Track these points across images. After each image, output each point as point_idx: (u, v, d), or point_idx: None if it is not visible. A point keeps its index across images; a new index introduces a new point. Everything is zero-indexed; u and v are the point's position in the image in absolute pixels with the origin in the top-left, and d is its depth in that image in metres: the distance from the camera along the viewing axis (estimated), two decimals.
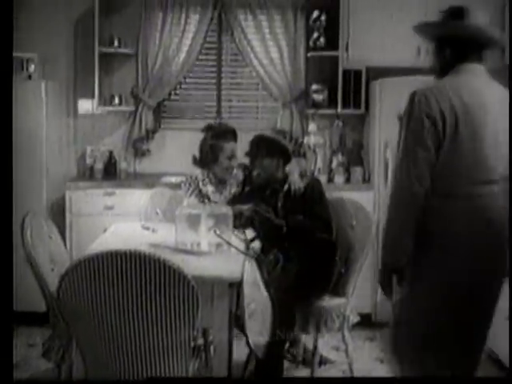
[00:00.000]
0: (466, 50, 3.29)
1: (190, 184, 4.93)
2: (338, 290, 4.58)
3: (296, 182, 4.66)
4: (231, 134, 4.97)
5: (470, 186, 3.18)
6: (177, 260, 3.12)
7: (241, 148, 4.95)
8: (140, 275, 3.03)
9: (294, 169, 4.78)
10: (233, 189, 4.96)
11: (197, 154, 5.05)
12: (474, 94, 3.20)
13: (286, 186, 4.68)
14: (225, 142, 4.91)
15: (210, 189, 4.92)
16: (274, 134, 5.90)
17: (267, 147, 4.75)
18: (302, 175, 4.76)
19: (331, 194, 5.61)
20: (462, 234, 3.18)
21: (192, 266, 3.44)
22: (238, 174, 5.01)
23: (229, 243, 3.96)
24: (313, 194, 4.68)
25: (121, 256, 3.02)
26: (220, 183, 4.97)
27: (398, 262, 3.21)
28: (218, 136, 4.94)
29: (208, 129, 5.04)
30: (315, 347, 4.52)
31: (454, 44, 3.31)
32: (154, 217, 5.03)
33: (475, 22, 3.27)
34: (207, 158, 4.95)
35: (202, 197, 4.88)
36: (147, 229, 4.50)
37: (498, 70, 3.87)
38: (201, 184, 4.93)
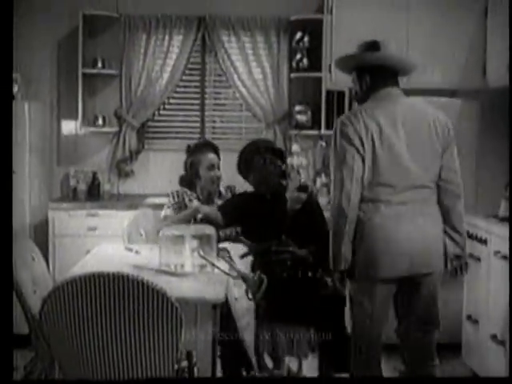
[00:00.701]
0: (382, 76, 3.73)
1: (173, 197, 4.93)
2: None
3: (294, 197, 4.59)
4: (207, 147, 4.98)
5: (392, 194, 3.59)
6: (160, 282, 3.10)
7: (226, 168, 4.95)
8: (123, 297, 3.00)
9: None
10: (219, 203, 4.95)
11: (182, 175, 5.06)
12: (388, 115, 3.61)
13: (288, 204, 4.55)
14: (201, 155, 4.91)
15: (195, 203, 4.91)
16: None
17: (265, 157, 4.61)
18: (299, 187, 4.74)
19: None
20: (389, 237, 3.60)
21: (176, 288, 3.42)
22: (227, 195, 5.00)
23: (213, 264, 3.94)
24: (312, 206, 4.65)
25: (104, 278, 2.99)
26: (209, 197, 4.96)
27: (340, 267, 3.64)
28: (194, 151, 4.96)
29: (187, 148, 5.05)
30: (300, 369, 4.50)
31: (371, 72, 3.75)
32: (137, 238, 5.00)
33: (389, 53, 3.82)
34: (189, 174, 4.96)
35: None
36: (130, 250, 4.47)
37: None
38: (187, 199, 4.92)
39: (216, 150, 4.98)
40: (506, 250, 4.49)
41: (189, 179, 4.99)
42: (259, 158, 4.56)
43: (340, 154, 3.58)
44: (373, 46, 3.83)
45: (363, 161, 3.55)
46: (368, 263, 3.63)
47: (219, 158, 4.96)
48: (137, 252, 4.43)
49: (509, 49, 4.49)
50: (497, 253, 4.60)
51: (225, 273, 3.89)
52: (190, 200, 4.91)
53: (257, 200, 4.61)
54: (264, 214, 4.48)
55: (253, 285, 3.93)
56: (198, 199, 4.93)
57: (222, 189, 5.04)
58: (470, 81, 5.81)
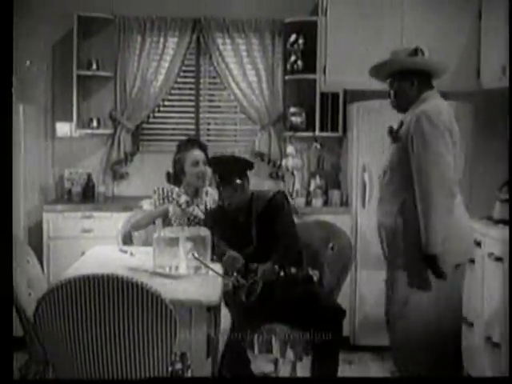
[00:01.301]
0: (427, 79, 4.05)
1: (158, 194, 4.98)
2: None
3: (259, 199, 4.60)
4: (193, 144, 5.02)
5: (456, 185, 3.89)
6: (155, 284, 3.11)
7: None
8: (117, 299, 3.01)
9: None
10: (207, 200, 4.97)
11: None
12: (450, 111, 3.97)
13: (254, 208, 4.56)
14: (186, 151, 4.95)
15: (183, 199, 4.92)
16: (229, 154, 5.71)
17: (234, 169, 4.55)
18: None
19: (309, 216, 5.66)
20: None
21: (170, 290, 3.43)
22: (213, 194, 5.00)
23: (207, 266, 3.95)
24: (276, 208, 4.55)
25: (98, 280, 3.00)
26: (196, 193, 4.98)
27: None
28: (179, 149, 5.01)
29: (176, 147, 5.09)
30: (293, 371, 4.51)
31: (419, 76, 4.02)
32: (132, 240, 5.01)
33: (433, 58, 4.11)
34: (175, 171, 5.01)
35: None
36: (125, 252, 4.48)
37: None
38: (175, 195, 4.95)
39: (202, 147, 5.01)
40: (500, 252, 4.51)
41: (175, 176, 5.04)
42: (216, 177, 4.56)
43: (439, 146, 3.79)
44: (419, 51, 4.04)
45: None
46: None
47: (206, 155, 4.97)
48: (131, 254, 4.44)
49: (509, 50, 4.48)
50: (491, 255, 4.62)
51: (219, 274, 3.90)
52: (179, 195, 4.92)
53: (226, 212, 4.61)
54: (232, 226, 4.51)
55: (246, 290, 3.95)
56: (186, 193, 4.94)
57: (209, 188, 5.03)
58: (464, 82, 5.83)
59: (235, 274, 4.12)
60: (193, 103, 6.58)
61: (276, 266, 4.23)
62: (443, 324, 3.95)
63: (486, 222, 5.00)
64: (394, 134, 4.00)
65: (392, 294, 4.10)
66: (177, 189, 4.99)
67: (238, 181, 4.44)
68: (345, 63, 5.97)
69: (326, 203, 6.17)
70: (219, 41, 6.38)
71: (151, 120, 6.56)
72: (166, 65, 6.37)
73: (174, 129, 6.59)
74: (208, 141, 6.47)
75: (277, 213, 4.49)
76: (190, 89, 6.56)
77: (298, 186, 6.28)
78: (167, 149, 6.40)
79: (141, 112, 6.40)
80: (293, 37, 6.29)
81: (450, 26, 5.91)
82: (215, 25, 6.35)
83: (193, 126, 6.59)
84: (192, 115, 6.59)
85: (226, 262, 4.26)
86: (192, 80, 6.55)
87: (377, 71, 4.17)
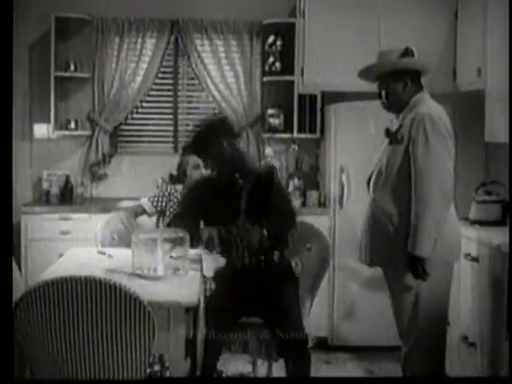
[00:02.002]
0: (418, 79, 4.09)
1: (162, 189, 5.09)
2: None
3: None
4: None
5: None
6: (133, 285, 3.11)
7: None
8: (96, 301, 3.01)
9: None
10: None
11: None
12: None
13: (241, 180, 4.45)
14: (188, 156, 5.04)
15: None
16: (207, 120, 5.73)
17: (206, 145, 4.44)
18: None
19: None
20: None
21: (149, 291, 3.42)
22: None
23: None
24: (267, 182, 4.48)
25: (76, 282, 3.00)
26: None
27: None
28: (183, 151, 5.14)
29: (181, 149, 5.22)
30: (269, 371, 4.52)
31: (411, 76, 4.04)
32: (110, 242, 5.00)
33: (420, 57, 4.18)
34: (179, 174, 5.14)
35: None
36: (103, 254, 4.45)
37: None
38: (178, 194, 4.99)
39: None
40: (475, 253, 4.55)
41: (177, 178, 5.15)
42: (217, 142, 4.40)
43: (443, 150, 3.86)
44: (409, 52, 4.10)
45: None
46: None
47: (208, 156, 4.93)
48: (110, 256, 4.42)
49: (509, 51, 4.53)
50: (467, 255, 4.64)
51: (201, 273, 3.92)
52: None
53: (212, 184, 4.54)
54: (219, 197, 4.43)
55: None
56: None
57: None
58: (441, 84, 5.85)
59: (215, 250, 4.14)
60: (171, 105, 6.58)
61: (263, 230, 4.23)
62: (431, 324, 3.99)
63: (462, 222, 5.02)
64: (392, 135, 3.98)
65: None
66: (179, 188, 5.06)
67: (214, 150, 4.37)
68: (322, 65, 5.96)
69: (304, 204, 6.20)
70: (197, 42, 6.39)
71: (129, 121, 6.55)
72: (144, 66, 6.36)
73: (152, 130, 6.60)
74: (184, 141, 6.50)
75: (268, 183, 4.45)
76: (168, 90, 6.57)
77: None
78: (145, 150, 6.54)
79: (119, 113, 6.39)
80: (271, 38, 6.31)
81: (427, 27, 5.93)
82: (193, 26, 6.36)
83: (171, 128, 6.60)
84: (170, 116, 6.59)
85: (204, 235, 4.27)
86: (170, 81, 6.55)
87: (367, 73, 4.19)
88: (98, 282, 3.00)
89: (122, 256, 4.35)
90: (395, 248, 3.92)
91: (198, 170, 5.01)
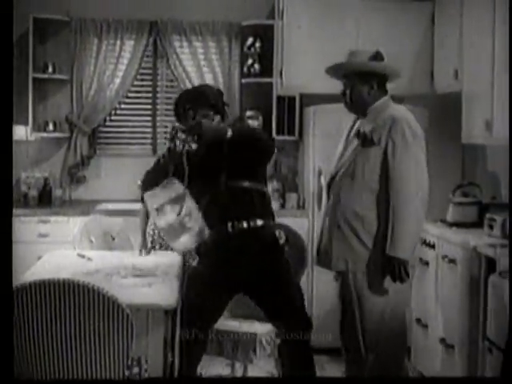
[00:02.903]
0: (384, 84, 4.09)
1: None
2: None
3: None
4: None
5: None
6: (112, 288, 3.12)
7: None
8: (74, 304, 3.02)
9: None
10: None
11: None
12: None
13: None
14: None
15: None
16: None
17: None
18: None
19: None
20: None
21: (127, 294, 3.42)
22: None
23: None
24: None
25: (55, 285, 3.00)
26: None
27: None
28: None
29: None
30: (245, 372, 4.53)
31: (378, 80, 4.04)
32: (89, 245, 4.99)
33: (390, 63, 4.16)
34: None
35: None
36: (82, 257, 4.45)
37: None
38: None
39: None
40: (453, 255, 4.59)
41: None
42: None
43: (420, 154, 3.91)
44: (379, 56, 4.08)
45: None
46: None
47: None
48: (89, 259, 4.42)
49: (509, 54, 4.53)
50: (444, 257, 4.68)
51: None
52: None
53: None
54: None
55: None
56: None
57: None
58: (418, 87, 5.91)
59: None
60: (150, 106, 6.58)
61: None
62: (393, 325, 3.97)
63: (439, 224, 5.06)
64: (365, 138, 3.94)
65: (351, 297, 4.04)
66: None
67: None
68: (301, 67, 5.99)
69: (283, 206, 6.21)
70: (176, 44, 6.38)
71: (108, 123, 6.53)
72: (123, 67, 6.35)
73: (130, 132, 6.59)
74: (164, 144, 6.45)
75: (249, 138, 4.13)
76: (147, 92, 6.56)
77: None
78: (124, 152, 6.53)
79: (97, 115, 6.37)
80: (250, 40, 6.32)
81: (404, 30, 5.98)
82: (172, 27, 6.35)
83: (150, 130, 6.59)
84: (149, 118, 6.59)
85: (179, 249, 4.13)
86: (149, 83, 6.55)
87: (335, 70, 4.18)
88: (76, 285, 3.01)
89: (100, 259, 4.39)
90: (369, 251, 3.91)
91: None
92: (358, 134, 3.99)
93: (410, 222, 3.81)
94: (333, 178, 4.08)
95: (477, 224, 4.92)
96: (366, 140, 3.95)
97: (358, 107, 4.08)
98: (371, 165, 3.91)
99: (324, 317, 5.83)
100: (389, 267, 3.85)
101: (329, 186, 4.12)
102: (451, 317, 4.63)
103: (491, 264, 4.15)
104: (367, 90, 4.03)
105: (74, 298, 3.02)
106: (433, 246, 4.88)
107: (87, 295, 3.02)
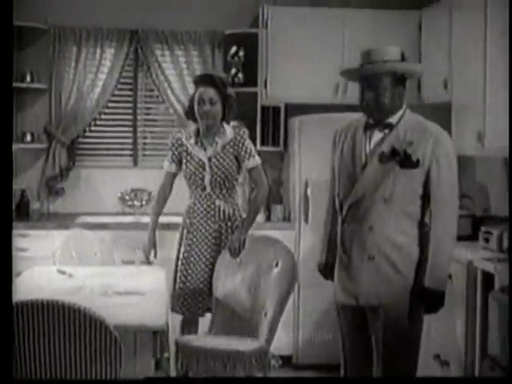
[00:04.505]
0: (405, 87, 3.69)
1: (172, 145, 4.75)
2: (258, 332, 4.32)
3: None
4: (202, 79, 4.73)
5: None
6: (98, 307, 3.00)
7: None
8: (59, 326, 2.90)
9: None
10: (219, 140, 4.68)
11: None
12: None
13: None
14: (196, 89, 4.68)
15: (191, 142, 4.69)
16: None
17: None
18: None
19: (252, 232, 5.53)
20: None
21: (114, 314, 3.29)
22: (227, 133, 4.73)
23: None
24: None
25: (38, 306, 2.87)
26: (209, 133, 4.68)
27: None
28: (195, 84, 4.75)
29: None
30: None
31: (404, 81, 3.66)
32: (69, 260, 4.84)
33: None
34: (189, 108, 4.75)
35: (186, 155, 4.69)
36: (63, 273, 4.31)
37: None
38: (184, 139, 4.72)
39: (216, 84, 4.65)
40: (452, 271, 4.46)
41: (188, 113, 4.78)
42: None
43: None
44: (404, 56, 3.71)
45: None
46: None
47: (221, 93, 4.64)
48: (70, 275, 4.28)
49: (509, 57, 4.42)
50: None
51: None
52: (187, 139, 4.72)
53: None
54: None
55: None
56: (198, 136, 4.69)
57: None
58: (406, 97, 5.81)
59: None
60: (130, 117, 6.43)
61: None
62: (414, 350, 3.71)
63: None
64: (403, 158, 3.53)
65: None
66: (184, 132, 4.79)
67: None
68: (286, 77, 5.94)
69: (268, 218, 6.08)
70: (158, 52, 6.25)
71: (87, 134, 6.37)
72: (103, 77, 6.20)
73: (110, 143, 6.44)
74: (144, 155, 6.41)
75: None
76: (128, 102, 6.42)
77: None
78: (104, 164, 6.38)
79: (76, 126, 6.21)
80: (233, 49, 6.20)
81: (390, 39, 5.78)
82: (153, 36, 6.22)
83: (130, 140, 6.45)
84: (129, 129, 6.44)
85: None
86: (130, 93, 6.41)
87: (356, 73, 3.73)
88: (61, 307, 2.88)
89: (82, 275, 4.27)
90: (409, 283, 3.59)
91: (203, 105, 4.59)
92: (394, 153, 3.56)
93: (448, 252, 3.56)
94: (357, 202, 3.63)
95: (470, 237, 4.82)
96: (406, 160, 3.53)
97: (386, 111, 3.59)
98: (413, 188, 3.55)
99: (310, 333, 5.75)
100: (426, 299, 3.56)
101: (349, 208, 3.67)
102: (446, 333, 4.52)
103: (488, 279, 4.06)
104: (398, 93, 3.61)
105: (59, 320, 2.89)
106: None
107: (73, 317, 2.89)
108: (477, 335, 4.18)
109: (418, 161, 3.51)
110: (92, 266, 4.83)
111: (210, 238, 4.64)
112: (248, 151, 4.70)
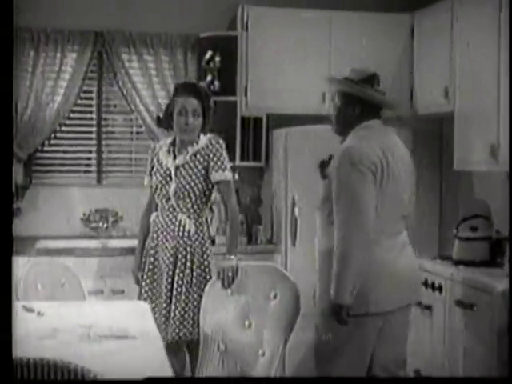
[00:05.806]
0: (373, 109, 3.76)
1: (150, 157, 4.41)
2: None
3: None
4: (186, 88, 4.37)
5: (393, 224, 3.64)
6: (82, 358, 2.47)
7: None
8: None
9: None
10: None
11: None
12: (388, 147, 3.65)
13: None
14: (176, 97, 4.30)
15: (163, 150, 4.34)
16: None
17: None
18: None
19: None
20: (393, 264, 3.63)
21: (102, 364, 2.68)
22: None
23: None
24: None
25: (23, 367, 2.31)
26: (183, 147, 4.31)
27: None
28: (175, 91, 4.39)
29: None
30: None
31: (365, 103, 3.72)
32: (34, 294, 4.23)
33: (383, 92, 3.85)
34: (165, 116, 4.39)
35: (157, 164, 4.35)
36: (31, 311, 3.70)
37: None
38: (157, 148, 4.38)
39: (199, 95, 4.32)
40: (469, 299, 4.21)
41: (163, 121, 4.43)
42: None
43: (357, 187, 3.54)
44: (377, 80, 3.83)
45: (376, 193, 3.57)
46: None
47: (203, 105, 4.31)
48: (39, 313, 3.67)
49: (509, 60, 4.23)
50: (459, 302, 4.27)
51: None
52: (160, 148, 4.37)
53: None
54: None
55: None
56: (173, 146, 4.34)
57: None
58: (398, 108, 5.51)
59: None
60: (94, 129, 6.01)
61: None
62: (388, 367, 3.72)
63: (442, 262, 4.56)
64: (322, 170, 3.85)
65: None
66: (162, 142, 4.46)
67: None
68: (269, 84, 5.62)
69: (250, 241, 5.63)
70: (125, 57, 5.87)
71: (46, 148, 5.91)
72: (64, 84, 5.78)
73: (72, 158, 6.02)
74: (109, 171, 6.00)
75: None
76: (92, 112, 6.01)
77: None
78: (65, 181, 5.98)
79: (34, 139, 5.76)
80: (208, 54, 5.79)
81: (380, 47, 5.68)
82: (120, 38, 5.84)
83: (94, 155, 6.04)
84: (93, 142, 6.02)
85: None
86: (94, 102, 6.00)
87: (331, 82, 4.10)
88: (52, 367, 2.30)
89: (54, 313, 3.69)
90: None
91: (184, 116, 4.25)
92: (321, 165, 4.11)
93: (344, 265, 3.57)
94: None
95: (488, 262, 4.45)
96: (322, 172, 4.16)
97: (342, 129, 3.82)
98: (327, 198, 3.73)
99: (298, 364, 5.28)
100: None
101: None
102: (425, 348, 4.45)
103: None
104: (350, 113, 3.75)
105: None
106: (438, 288, 4.35)
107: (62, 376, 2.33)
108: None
109: (327, 173, 3.78)
110: (61, 300, 4.24)
111: (168, 255, 4.25)
112: (219, 163, 4.26)
